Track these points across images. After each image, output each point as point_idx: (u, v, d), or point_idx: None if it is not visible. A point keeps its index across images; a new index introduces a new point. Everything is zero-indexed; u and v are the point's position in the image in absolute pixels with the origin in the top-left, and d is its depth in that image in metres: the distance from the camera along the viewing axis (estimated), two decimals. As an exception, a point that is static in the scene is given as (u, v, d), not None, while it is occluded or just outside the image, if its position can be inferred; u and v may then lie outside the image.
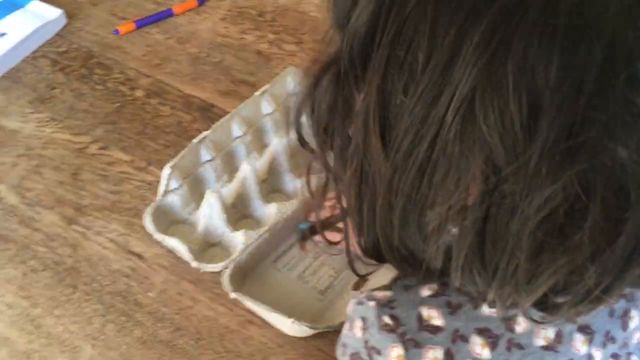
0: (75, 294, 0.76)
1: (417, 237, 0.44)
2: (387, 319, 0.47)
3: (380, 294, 0.49)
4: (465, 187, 0.39)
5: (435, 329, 0.47)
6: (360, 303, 0.49)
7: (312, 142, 0.53)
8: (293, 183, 0.87)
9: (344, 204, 0.50)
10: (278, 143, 0.86)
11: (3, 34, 0.99)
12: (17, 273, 0.77)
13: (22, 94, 0.96)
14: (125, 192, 0.85)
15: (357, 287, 0.72)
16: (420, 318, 0.47)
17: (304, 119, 0.51)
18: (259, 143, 0.91)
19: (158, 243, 0.79)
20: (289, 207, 0.82)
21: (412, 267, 0.47)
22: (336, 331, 0.66)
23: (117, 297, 0.75)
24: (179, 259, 0.79)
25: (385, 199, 0.43)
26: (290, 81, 0.95)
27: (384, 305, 0.48)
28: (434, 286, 0.48)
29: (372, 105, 0.42)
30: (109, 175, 0.87)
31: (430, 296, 0.48)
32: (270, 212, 0.83)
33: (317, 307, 0.77)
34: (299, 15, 1.10)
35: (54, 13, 1.04)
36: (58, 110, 0.94)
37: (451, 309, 0.47)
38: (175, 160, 0.84)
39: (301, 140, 0.54)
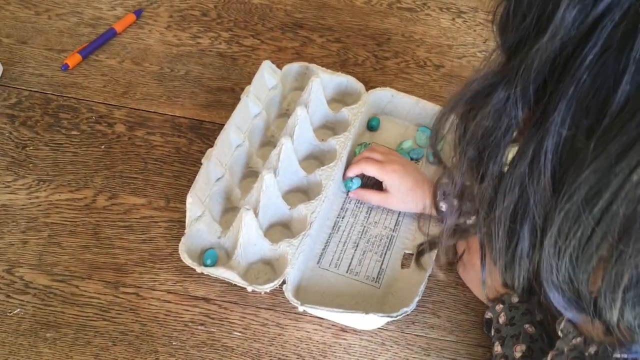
0: (159, 359, 0.68)
1: (584, 281, 0.40)
2: None
3: None
4: None
5: None
6: None
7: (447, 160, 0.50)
8: (307, 179, 0.83)
9: (483, 235, 0.45)
10: (286, 144, 0.81)
11: (-55, 101, 0.83)
12: (87, 357, 0.68)
13: (-7, 163, 0.82)
14: (157, 237, 0.77)
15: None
16: None
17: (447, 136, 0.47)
18: (255, 146, 0.86)
19: (217, 280, 0.73)
20: (317, 205, 0.78)
21: (577, 306, 0.43)
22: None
23: (204, 348, 0.69)
24: (243, 289, 0.73)
25: (553, 243, 0.39)
26: (269, 77, 0.89)
27: None
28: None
29: (546, 143, 0.37)
30: (132, 225, 0.78)
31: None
32: (299, 214, 0.79)
33: (378, 294, 0.76)
34: (243, 6, 1.03)
35: (-11, 63, 0.89)
36: (43, 170, 0.82)
37: None
38: (194, 187, 0.76)
39: (438, 158, 0.50)
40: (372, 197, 0.81)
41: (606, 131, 0.35)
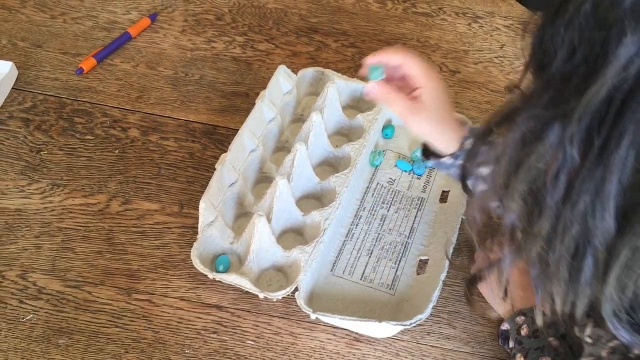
0: (172, 367, 0.68)
1: None
2: None
3: None
4: None
5: None
6: None
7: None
8: (320, 185, 0.82)
9: (537, 268, 0.44)
10: (300, 149, 0.80)
11: (-40, 105, 0.83)
12: (100, 364, 0.67)
13: (7, 167, 0.82)
14: (171, 243, 0.76)
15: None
16: None
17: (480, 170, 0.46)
18: (269, 151, 0.85)
19: (230, 287, 0.72)
20: (330, 211, 0.77)
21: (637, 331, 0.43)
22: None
23: (216, 357, 0.68)
24: (256, 297, 0.72)
25: (617, 277, 0.39)
26: (284, 81, 0.88)
27: None
28: None
29: (608, 181, 0.36)
30: (145, 231, 0.77)
31: None
32: (312, 221, 0.78)
33: (392, 301, 0.74)
34: (257, 10, 1.02)
35: (5, 67, 0.88)
36: (56, 174, 0.81)
37: None
38: (207, 192, 0.75)
39: (466, 189, 0.49)
40: (399, 102, 0.63)
41: None
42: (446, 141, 0.65)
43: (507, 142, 0.42)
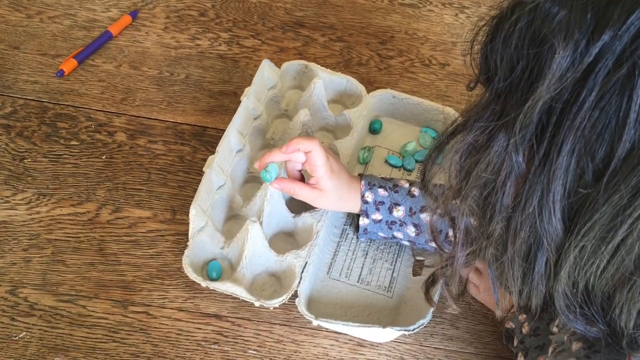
0: (173, 381, 0.65)
1: (598, 304, 0.43)
2: None
3: None
4: None
5: None
6: None
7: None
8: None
9: (494, 269, 0.46)
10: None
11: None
12: (98, 381, 0.65)
13: (-10, 177, 0.78)
14: (165, 251, 0.73)
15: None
16: None
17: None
18: (255, 150, 0.82)
19: (228, 295, 0.70)
20: (322, 213, 0.75)
21: (589, 322, 0.45)
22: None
23: (218, 368, 0.66)
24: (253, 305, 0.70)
25: (568, 275, 0.41)
26: (268, 76, 0.84)
27: None
28: None
29: (553, 186, 0.38)
30: (138, 239, 0.74)
31: None
32: (304, 223, 0.75)
33: (391, 304, 0.73)
34: (241, 5, 0.98)
35: (-19, 71, 0.84)
36: (42, 183, 0.77)
37: None
38: (197, 198, 0.72)
39: (429, 194, 0.51)
40: (303, 193, 0.69)
41: (616, 174, 0.36)
42: (352, 207, 0.71)
43: (457, 151, 0.44)
